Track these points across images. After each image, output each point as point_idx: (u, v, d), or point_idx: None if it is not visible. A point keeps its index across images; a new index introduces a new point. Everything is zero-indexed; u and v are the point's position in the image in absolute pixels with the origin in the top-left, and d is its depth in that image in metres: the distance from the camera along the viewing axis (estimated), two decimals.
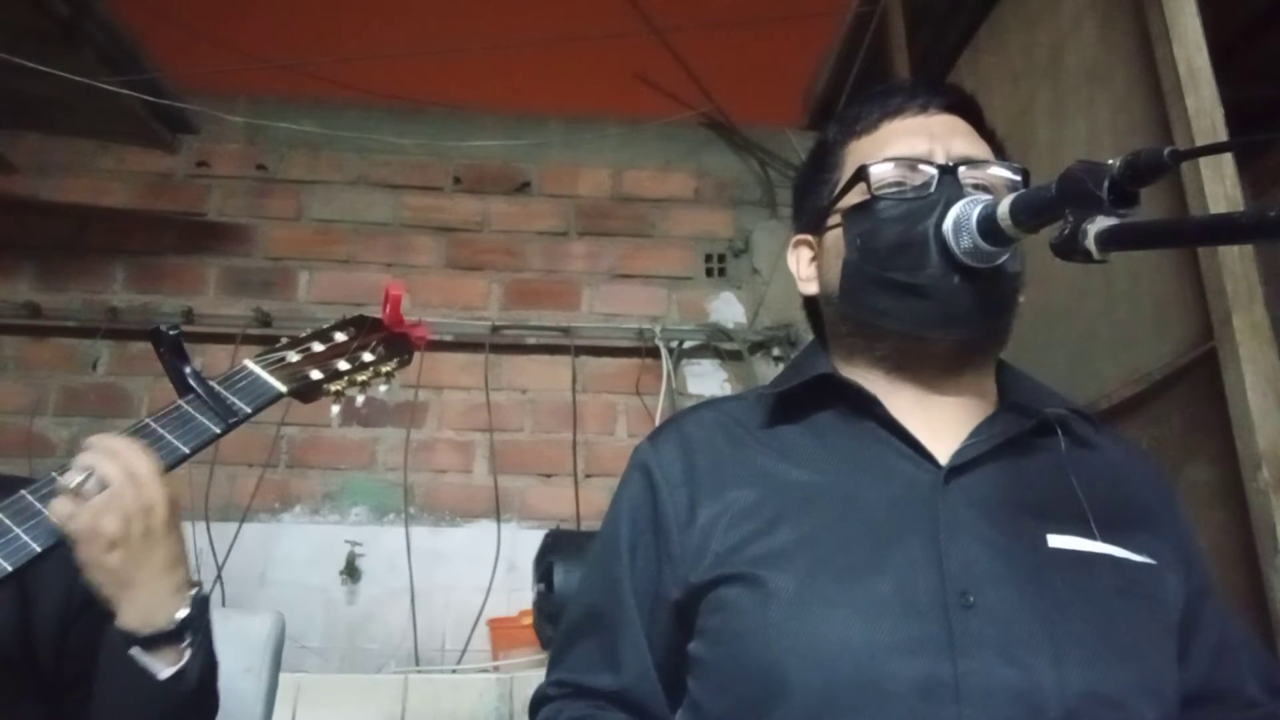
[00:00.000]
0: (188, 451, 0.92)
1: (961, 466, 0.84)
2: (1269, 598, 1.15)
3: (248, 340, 2.45)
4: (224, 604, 2.21)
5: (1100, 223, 0.66)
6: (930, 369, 0.90)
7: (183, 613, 0.88)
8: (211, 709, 0.95)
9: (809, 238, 1.00)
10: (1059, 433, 0.87)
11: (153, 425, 0.92)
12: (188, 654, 0.88)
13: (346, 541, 2.35)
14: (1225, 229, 0.65)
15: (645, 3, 2.35)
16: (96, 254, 2.53)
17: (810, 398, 0.92)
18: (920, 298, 0.85)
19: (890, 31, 2.30)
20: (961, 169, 0.88)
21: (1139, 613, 0.80)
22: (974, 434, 0.87)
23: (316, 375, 1.02)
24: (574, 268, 2.67)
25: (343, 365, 1.04)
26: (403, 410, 2.47)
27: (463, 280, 2.63)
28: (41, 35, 1.94)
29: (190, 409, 0.94)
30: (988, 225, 0.79)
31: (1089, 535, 0.81)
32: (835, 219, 0.95)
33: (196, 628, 0.89)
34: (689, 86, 2.62)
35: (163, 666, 0.87)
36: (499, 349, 2.55)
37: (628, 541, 0.94)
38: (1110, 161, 0.66)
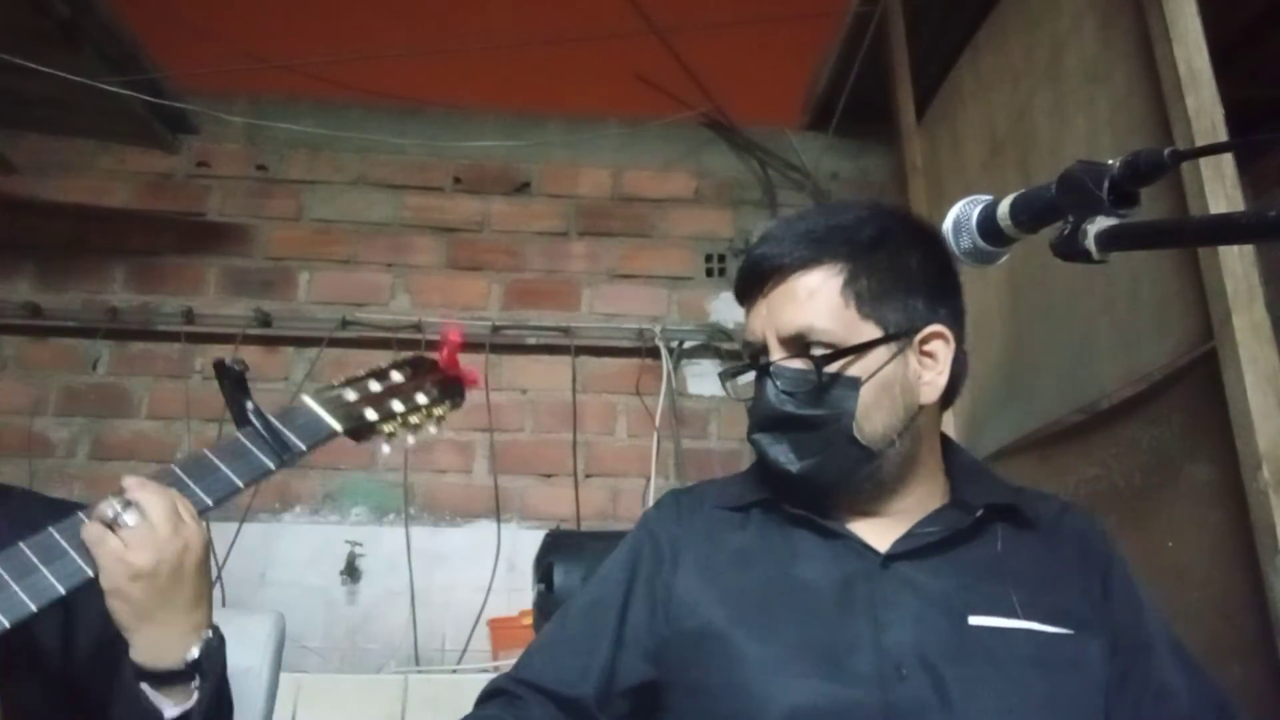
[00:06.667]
0: (240, 485, 0.93)
1: (901, 554, 0.96)
2: (1269, 598, 1.15)
3: (248, 340, 2.45)
4: (224, 604, 2.20)
5: (1100, 223, 0.66)
6: (830, 511, 1.01)
7: (194, 654, 0.88)
8: None
9: None
10: (997, 524, 0.99)
11: (210, 457, 0.93)
12: (195, 695, 0.88)
13: (346, 541, 2.35)
14: (1225, 229, 0.65)
15: (645, 3, 2.35)
16: (96, 254, 2.52)
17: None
18: (774, 478, 1.01)
19: (890, 31, 2.30)
20: (773, 365, 0.98)
21: (1056, 679, 0.90)
22: (917, 526, 0.98)
23: (372, 415, 1.02)
24: (574, 268, 2.67)
25: (397, 406, 1.04)
26: None
27: (463, 280, 2.63)
28: (41, 35, 1.94)
29: (247, 443, 0.94)
30: (987, 225, 0.79)
31: (1011, 614, 0.92)
32: None
33: (206, 670, 0.89)
34: (689, 86, 2.62)
35: (170, 705, 0.87)
36: (499, 349, 2.55)
37: (626, 568, 1.06)
38: (1110, 162, 0.66)
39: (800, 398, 0.96)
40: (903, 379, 0.97)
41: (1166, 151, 0.63)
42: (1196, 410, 1.34)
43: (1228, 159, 1.28)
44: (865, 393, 0.95)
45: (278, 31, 2.39)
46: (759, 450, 1.00)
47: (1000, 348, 1.88)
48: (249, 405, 0.96)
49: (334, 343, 2.49)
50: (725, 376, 1.09)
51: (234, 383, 0.96)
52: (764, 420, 0.99)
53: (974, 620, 0.91)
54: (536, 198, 2.72)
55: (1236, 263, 1.24)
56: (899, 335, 0.97)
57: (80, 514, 0.86)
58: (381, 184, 2.67)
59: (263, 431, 0.95)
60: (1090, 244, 0.66)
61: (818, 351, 0.96)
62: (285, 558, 2.34)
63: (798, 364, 0.96)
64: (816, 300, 0.97)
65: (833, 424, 0.95)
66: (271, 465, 0.94)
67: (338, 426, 0.99)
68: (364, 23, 2.44)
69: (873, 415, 0.96)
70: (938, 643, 0.90)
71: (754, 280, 1.02)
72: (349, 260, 2.61)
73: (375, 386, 1.04)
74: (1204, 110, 1.29)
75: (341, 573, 2.33)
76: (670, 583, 1.01)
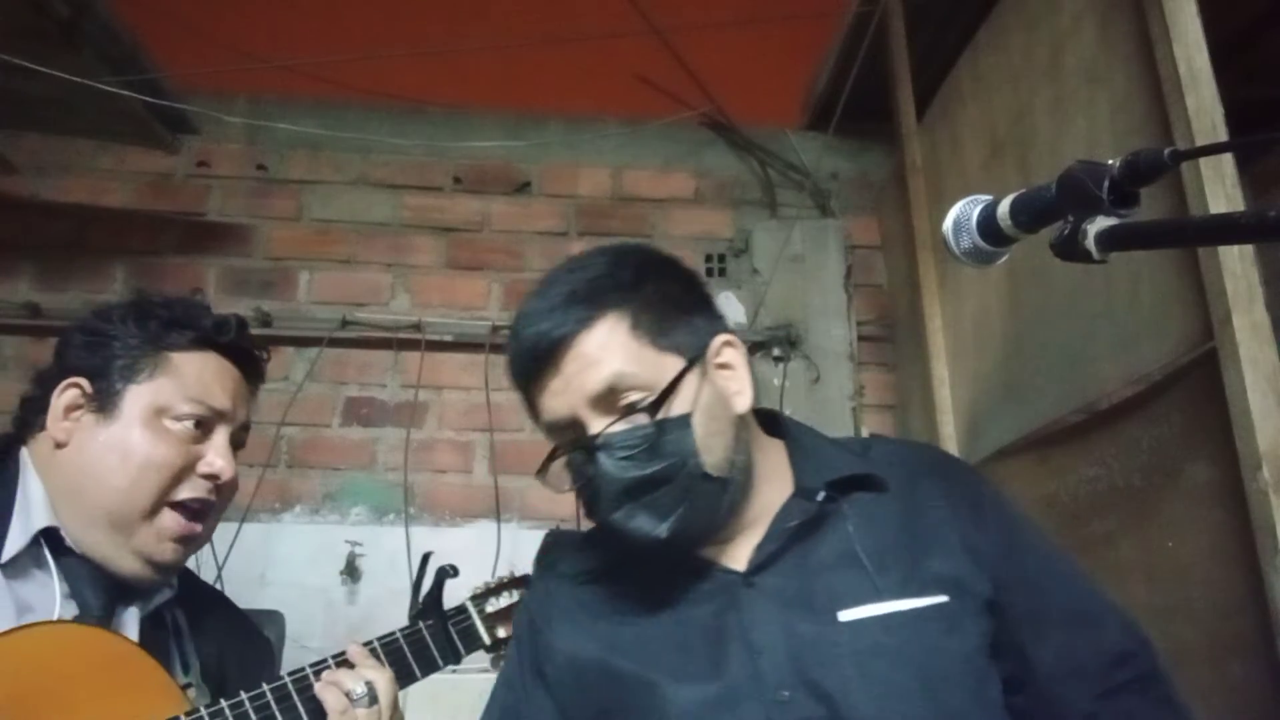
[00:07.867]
0: (419, 677, 1.13)
1: (758, 567, 0.96)
2: (1269, 597, 1.15)
3: None
4: None
5: (1100, 223, 0.66)
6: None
7: None
8: None
9: None
10: (844, 501, 0.98)
11: (402, 645, 1.12)
12: None
13: (346, 541, 2.34)
14: (1225, 229, 0.65)
15: (645, 3, 2.35)
16: (96, 254, 2.52)
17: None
18: (641, 549, 0.99)
19: (890, 31, 2.30)
20: (601, 437, 0.95)
21: (932, 654, 0.90)
22: (768, 532, 0.98)
23: (502, 634, 1.22)
24: None
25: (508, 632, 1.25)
26: (403, 410, 2.47)
27: (463, 280, 2.63)
28: (41, 35, 1.94)
29: (429, 638, 1.14)
30: (987, 225, 0.79)
31: (876, 598, 0.92)
32: None
33: None
34: (689, 86, 2.62)
35: None
36: (499, 349, 2.55)
37: (518, 653, 1.10)
38: (1110, 162, 0.66)
39: (641, 456, 0.92)
40: (719, 397, 0.98)
41: (1166, 151, 0.63)
42: (1196, 410, 1.34)
43: (1228, 159, 1.28)
44: (697, 425, 0.94)
45: (277, 31, 2.39)
46: (620, 531, 0.95)
47: (1000, 348, 1.88)
48: (439, 607, 1.16)
49: (334, 343, 2.48)
50: (542, 473, 1.03)
51: (438, 582, 1.16)
52: (615, 496, 0.95)
53: (844, 616, 0.92)
54: (536, 198, 2.72)
55: (1236, 263, 1.24)
56: (698, 357, 0.97)
57: (310, 671, 1.05)
58: (381, 184, 2.67)
59: (439, 629, 1.14)
60: (1090, 244, 0.66)
61: (633, 397, 0.93)
62: (285, 558, 2.34)
63: (625, 425, 0.93)
64: (611, 351, 0.94)
65: (681, 468, 0.93)
66: (442, 665, 1.15)
67: (488, 641, 1.20)
68: (364, 23, 2.44)
69: (712, 445, 0.95)
70: (812, 652, 0.90)
71: (535, 361, 0.96)
72: (349, 260, 2.61)
73: (503, 604, 1.25)
74: (1204, 110, 1.29)
75: (341, 573, 2.33)
76: (553, 658, 1.03)
